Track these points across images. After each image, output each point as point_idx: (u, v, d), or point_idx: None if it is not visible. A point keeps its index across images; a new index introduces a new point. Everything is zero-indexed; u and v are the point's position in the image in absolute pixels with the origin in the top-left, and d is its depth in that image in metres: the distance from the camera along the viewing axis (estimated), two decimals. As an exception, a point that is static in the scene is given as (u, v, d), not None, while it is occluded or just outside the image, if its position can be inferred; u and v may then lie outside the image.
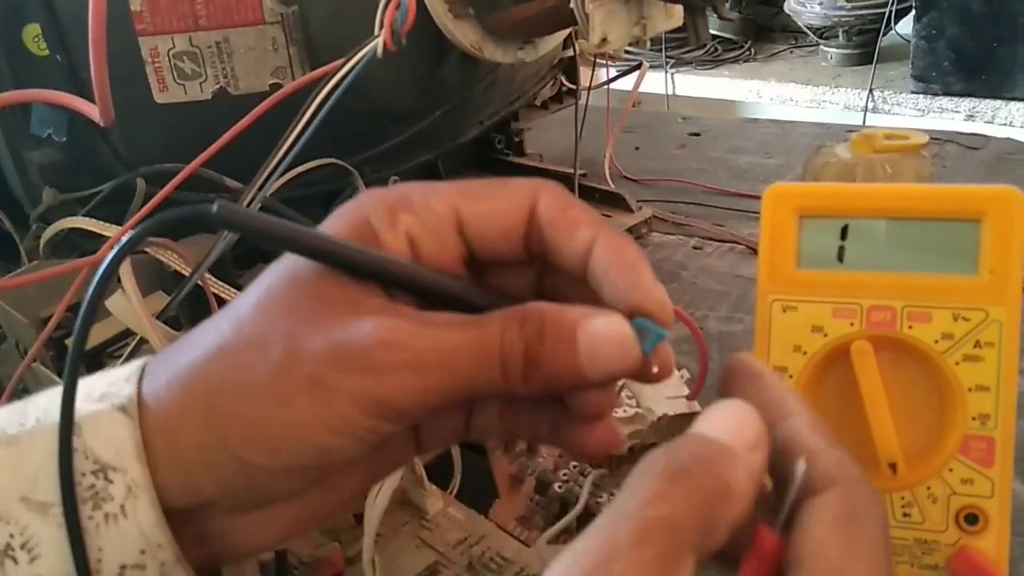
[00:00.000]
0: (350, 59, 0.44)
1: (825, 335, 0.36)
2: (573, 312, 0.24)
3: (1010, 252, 0.34)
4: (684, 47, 1.76)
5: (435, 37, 0.51)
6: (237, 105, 0.50)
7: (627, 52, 1.72)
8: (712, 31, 1.81)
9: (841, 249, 0.36)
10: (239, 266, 0.57)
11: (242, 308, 0.25)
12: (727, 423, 0.23)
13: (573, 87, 0.79)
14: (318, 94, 0.44)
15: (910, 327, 0.35)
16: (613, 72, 0.85)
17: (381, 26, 0.44)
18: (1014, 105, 1.39)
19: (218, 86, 0.51)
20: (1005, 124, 1.40)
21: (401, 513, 0.42)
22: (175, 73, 0.51)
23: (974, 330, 0.34)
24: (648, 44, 0.53)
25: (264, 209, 0.51)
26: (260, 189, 0.46)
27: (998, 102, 1.40)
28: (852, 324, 0.35)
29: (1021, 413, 0.34)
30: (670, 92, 1.78)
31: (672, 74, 1.77)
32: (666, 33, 0.52)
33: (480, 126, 0.69)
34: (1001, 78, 1.38)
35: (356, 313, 0.23)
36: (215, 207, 0.23)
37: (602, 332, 0.24)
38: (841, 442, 0.36)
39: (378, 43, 0.43)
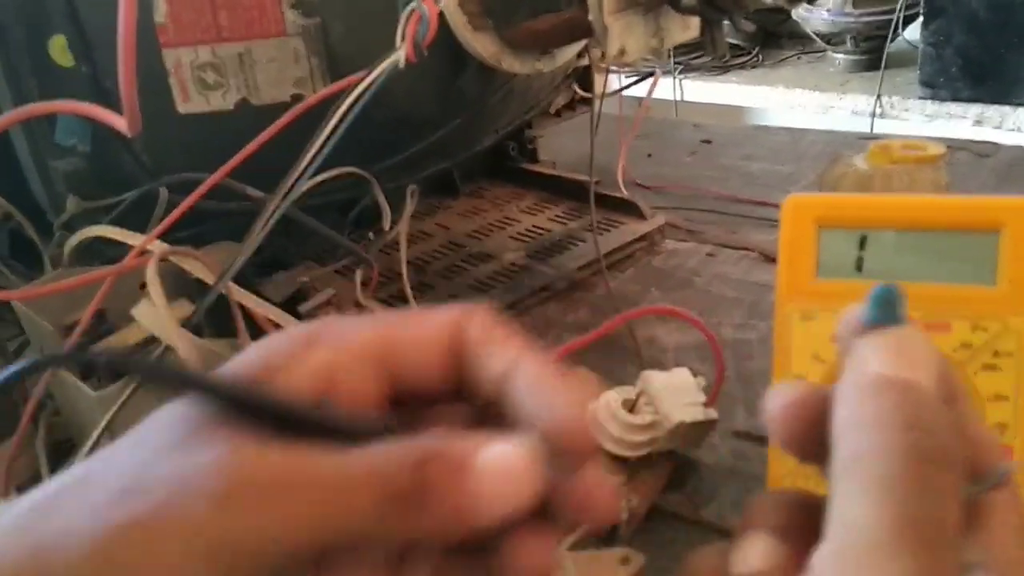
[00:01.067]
0: (372, 70, 0.44)
1: (844, 344, 0.36)
2: (468, 441, 0.21)
3: (1028, 263, 0.34)
4: (692, 53, 1.77)
5: (454, 49, 0.52)
6: (259, 115, 0.51)
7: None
8: (720, 37, 1.81)
9: (859, 259, 0.36)
10: (258, 275, 0.58)
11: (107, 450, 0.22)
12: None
13: (587, 95, 0.80)
14: (340, 105, 0.44)
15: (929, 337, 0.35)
16: (626, 80, 0.85)
17: (403, 38, 0.44)
18: (1022, 111, 1.39)
19: (240, 97, 0.52)
20: (1013, 130, 1.40)
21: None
22: (198, 84, 0.52)
23: (992, 340, 0.35)
24: (667, 55, 0.53)
25: (285, 218, 0.52)
26: (284, 198, 0.46)
27: (1006, 108, 1.40)
28: (871, 334, 0.36)
29: None
30: (679, 98, 1.78)
31: (680, 80, 1.78)
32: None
33: (496, 135, 0.70)
34: (1009, 84, 1.39)
35: (207, 445, 0.21)
36: (103, 359, 0.24)
37: (495, 459, 0.21)
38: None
39: (400, 55, 0.44)
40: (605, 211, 0.74)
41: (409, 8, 0.45)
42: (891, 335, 0.22)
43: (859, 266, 0.36)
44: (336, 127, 0.45)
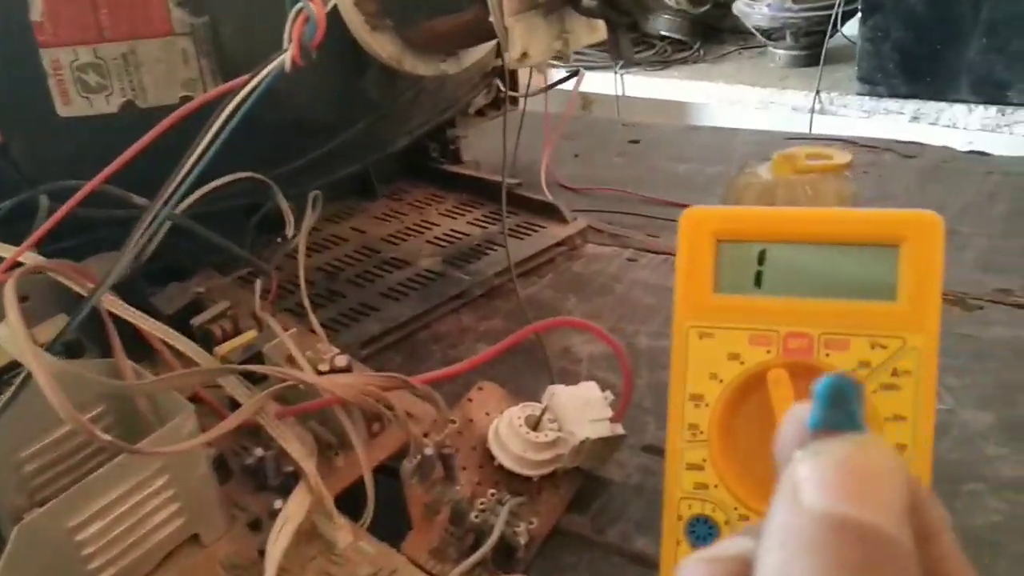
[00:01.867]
0: (257, 73, 0.42)
1: (742, 363, 0.35)
2: None
3: (929, 278, 0.33)
4: (633, 48, 1.75)
5: (353, 49, 0.49)
6: (146, 119, 0.48)
7: (576, 52, 1.71)
8: (662, 32, 1.81)
9: (759, 274, 0.35)
10: (153, 283, 0.55)
11: None
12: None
13: (513, 93, 0.78)
14: (224, 108, 0.42)
15: (827, 355, 0.34)
16: (555, 78, 0.83)
17: (290, 39, 0.42)
18: (958, 107, 1.40)
19: (125, 99, 0.49)
20: (949, 126, 1.41)
21: (308, 547, 0.40)
22: (79, 86, 0.49)
23: (891, 358, 0.33)
24: (572, 57, 0.51)
25: (175, 227, 0.49)
26: (165, 205, 0.44)
27: (942, 104, 1.41)
28: (769, 351, 0.34)
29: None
30: (620, 93, 1.77)
31: (622, 75, 1.76)
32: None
33: (409, 136, 0.67)
34: (945, 80, 1.39)
35: None
36: None
37: None
38: (757, 473, 0.35)
39: (286, 57, 0.41)
40: (526, 214, 0.73)
41: (296, 8, 0.42)
42: (843, 447, 0.17)
43: (758, 281, 0.35)
44: (220, 131, 0.42)
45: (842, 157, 0.47)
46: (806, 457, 0.17)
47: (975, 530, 0.41)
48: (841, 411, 0.18)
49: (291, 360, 0.45)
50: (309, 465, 0.41)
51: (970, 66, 1.36)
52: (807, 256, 0.34)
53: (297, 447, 0.41)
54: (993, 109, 1.36)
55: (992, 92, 1.35)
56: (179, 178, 0.43)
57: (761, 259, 0.35)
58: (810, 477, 0.16)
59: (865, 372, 0.33)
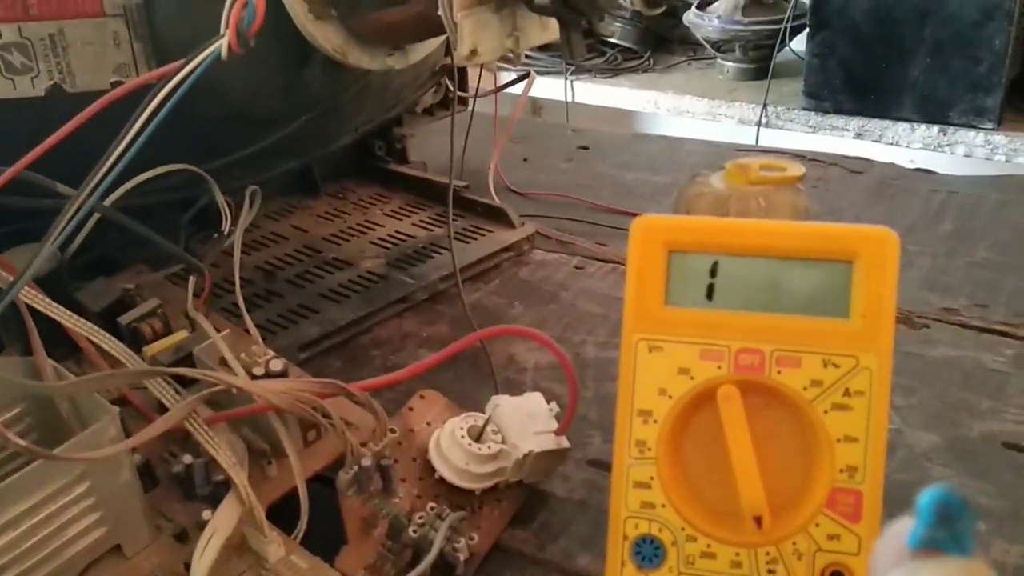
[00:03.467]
0: (191, 60, 0.40)
1: (692, 378, 0.34)
2: None
3: (882, 296, 0.32)
4: (585, 49, 1.75)
5: (296, 39, 0.47)
6: (75, 104, 0.45)
7: (527, 57, 1.70)
8: (613, 40, 1.81)
9: (710, 287, 0.34)
10: (78, 277, 0.53)
11: None
12: None
13: (462, 93, 0.76)
14: (155, 96, 0.40)
15: (779, 372, 0.33)
16: (505, 79, 0.82)
17: (227, 25, 0.40)
18: (901, 126, 1.42)
19: (52, 82, 0.47)
20: (892, 144, 1.43)
21: (238, 561, 0.38)
22: (2, 67, 0.46)
23: (844, 377, 0.32)
24: (523, 58, 0.50)
25: (103, 219, 0.47)
26: (91, 195, 0.41)
27: (886, 122, 1.43)
28: (720, 367, 0.33)
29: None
30: (570, 99, 1.77)
31: (572, 81, 1.76)
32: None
33: (354, 133, 0.65)
34: (889, 98, 1.41)
35: None
36: None
37: None
38: (706, 493, 0.34)
39: (223, 44, 0.39)
40: (473, 218, 0.71)
41: (236, -8, 0.40)
42: (945, 572, 0.16)
43: (710, 294, 0.34)
44: (150, 119, 0.40)
45: (795, 169, 0.47)
46: None
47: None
48: (946, 530, 0.17)
49: (224, 363, 0.43)
50: (240, 474, 0.39)
51: (913, 85, 1.38)
52: (760, 270, 0.34)
53: (228, 455, 0.39)
54: (935, 128, 1.38)
55: (934, 112, 1.38)
56: (105, 167, 0.40)
57: (713, 271, 0.34)
58: None
59: (817, 391, 0.32)
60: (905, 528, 0.17)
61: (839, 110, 1.46)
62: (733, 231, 0.34)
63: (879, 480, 0.32)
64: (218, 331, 0.45)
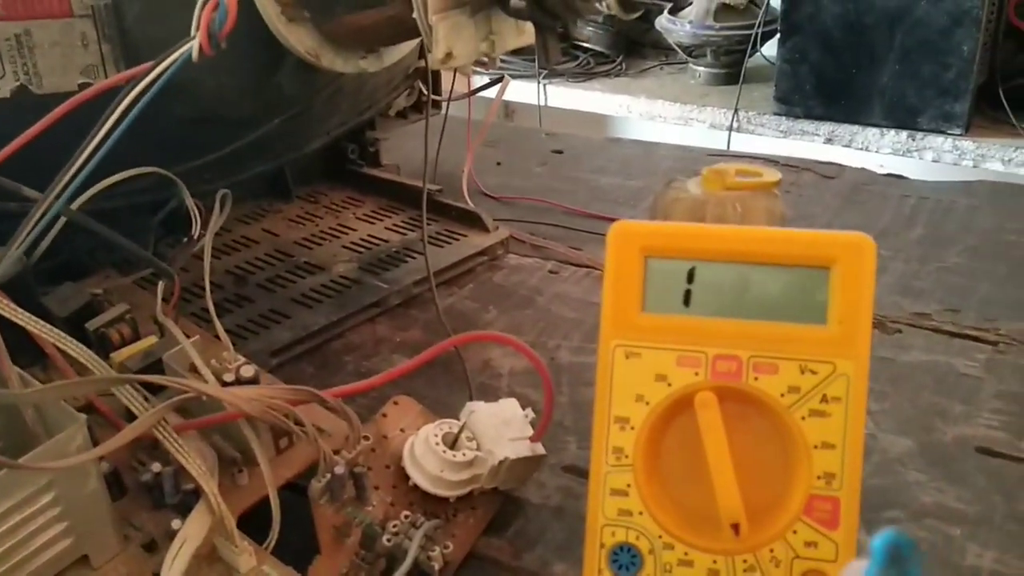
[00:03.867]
0: (161, 61, 0.39)
1: (669, 384, 0.34)
2: None
3: (859, 302, 0.32)
4: (561, 53, 1.75)
5: (269, 41, 0.47)
6: (41, 106, 0.45)
7: (502, 60, 1.70)
8: (586, 44, 1.81)
9: (687, 293, 0.34)
10: (44, 282, 0.51)
11: None
12: None
13: (436, 97, 0.76)
14: (123, 98, 0.39)
15: (756, 378, 0.33)
16: (478, 83, 0.82)
17: (198, 27, 0.39)
18: (870, 131, 1.43)
19: (18, 83, 0.46)
20: (862, 149, 1.44)
21: (208, 571, 0.38)
22: (-34, 67, 0.45)
23: (821, 384, 0.32)
24: (498, 62, 0.50)
25: (71, 223, 0.46)
26: (57, 198, 0.40)
27: (856, 127, 1.44)
28: (697, 373, 0.33)
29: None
30: (542, 103, 1.77)
31: (545, 85, 1.76)
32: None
33: (327, 136, 0.65)
34: (859, 104, 1.42)
35: None
36: None
37: None
38: (683, 500, 0.34)
39: (193, 46, 0.39)
40: (447, 222, 0.71)
41: (207, -7, 0.39)
42: None
43: (687, 300, 0.34)
44: (119, 121, 0.39)
45: (772, 175, 0.47)
46: None
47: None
48: (897, 570, 0.18)
49: (194, 369, 0.43)
50: (210, 483, 0.38)
51: (883, 91, 1.39)
52: (737, 276, 0.34)
53: (198, 463, 0.39)
54: (904, 134, 1.40)
55: (903, 117, 1.39)
56: (73, 170, 0.40)
57: (690, 277, 0.34)
58: None
59: (794, 398, 0.32)
60: (861, 568, 0.19)
61: (809, 115, 1.47)
62: (710, 237, 0.34)
63: (856, 487, 0.32)
64: (188, 337, 0.44)
